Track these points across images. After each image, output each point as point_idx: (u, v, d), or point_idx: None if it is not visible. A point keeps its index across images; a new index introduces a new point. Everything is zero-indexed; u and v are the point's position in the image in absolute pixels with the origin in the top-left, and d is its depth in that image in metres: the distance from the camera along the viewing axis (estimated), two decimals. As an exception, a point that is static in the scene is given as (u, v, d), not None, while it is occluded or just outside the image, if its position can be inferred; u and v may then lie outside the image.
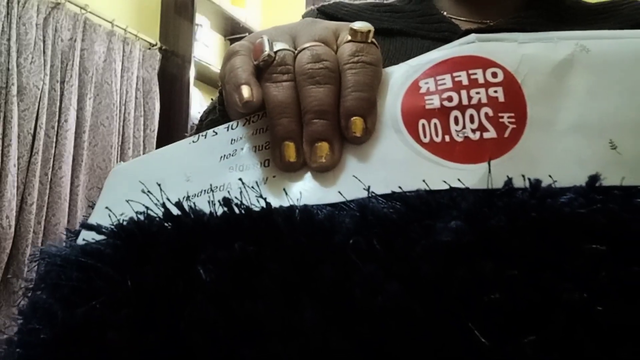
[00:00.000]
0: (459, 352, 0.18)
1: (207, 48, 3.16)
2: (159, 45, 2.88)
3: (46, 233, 2.24)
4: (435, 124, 0.22)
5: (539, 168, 0.20)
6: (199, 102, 3.07)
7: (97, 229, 0.24)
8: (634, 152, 0.20)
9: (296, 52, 0.26)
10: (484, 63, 0.22)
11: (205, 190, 0.24)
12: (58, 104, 2.30)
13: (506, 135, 0.21)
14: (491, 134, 0.21)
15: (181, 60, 2.89)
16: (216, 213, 0.22)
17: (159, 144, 2.77)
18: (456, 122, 0.22)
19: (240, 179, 0.24)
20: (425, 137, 0.22)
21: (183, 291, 0.21)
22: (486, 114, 0.22)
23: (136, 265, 0.22)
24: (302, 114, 0.24)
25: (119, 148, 2.59)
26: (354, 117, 0.23)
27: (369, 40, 0.25)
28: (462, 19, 0.52)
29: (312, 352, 0.18)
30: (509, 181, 0.20)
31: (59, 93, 2.31)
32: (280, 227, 0.21)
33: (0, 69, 2.11)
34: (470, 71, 0.22)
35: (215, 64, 3.25)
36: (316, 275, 0.20)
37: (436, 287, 0.18)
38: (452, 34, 0.48)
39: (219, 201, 0.22)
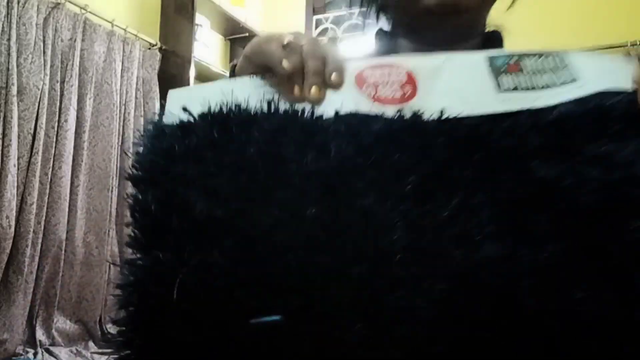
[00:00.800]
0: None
1: (207, 48, 3.16)
2: (159, 45, 2.88)
3: (46, 233, 2.24)
4: (370, 88, 0.43)
5: (424, 108, 0.42)
6: (199, 102, 3.07)
7: (188, 112, 0.45)
8: (477, 101, 0.42)
9: (302, 44, 0.45)
10: (397, 64, 0.44)
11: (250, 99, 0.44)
12: (58, 104, 2.30)
13: (406, 96, 0.43)
14: (398, 94, 0.43)
15: (181, 60, 2.89)
16: (262, 111, 0.43)
17: (159, 144, 2.77)
18: (383, 90, 0.43)
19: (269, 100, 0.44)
20: (365, 92, 0.43)
21: (241, 145, 0.41)
22: (396, 86, 0.43)
23: (214, 131, 0.43)
24: (304, 72, 0.43)
25: (119, 148, 2.59)
26: (334, 73, 0.43)
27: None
28: None
29: (326, 179, 0.40)
30: (418, 114, 0.42)
31: (59, 93, 2.31)
32: (308, 123, 0.42)
33: (0, 69, 2.11)
34: (390, 68, 0.44)
35: (215, 64, 3.24)
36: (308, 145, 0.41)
37: (376, 149, 0.40)
38: None
39: (267, 101, 0.43)
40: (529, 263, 0.37)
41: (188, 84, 2.84)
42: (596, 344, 0.36)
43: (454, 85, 0.42)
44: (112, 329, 2.52)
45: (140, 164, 0.43)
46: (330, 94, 0.43)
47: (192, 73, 2.87)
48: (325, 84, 0.43)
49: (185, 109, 0.45)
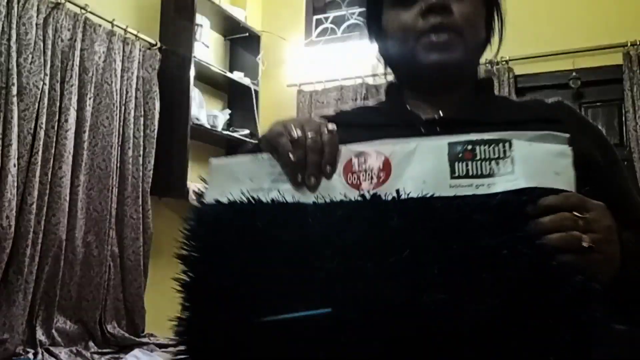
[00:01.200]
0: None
1: (207, 48, 3.16)
2: (159, 45, 2.88)
3: (46, 233, 2.23)
4: (354, 177, 0.57)
5: (392, 193, 0.54)
6: (198, 102, 3.07)
7: (225, 204, 0.60)
8: (434, 184, 0.53)
9: (307, 137, 0.59)
10: (379, 151, 0.57)
11: (263, 189, 0.59)
12: (58, 104, 2.30)
13: (380, 180, 0.55)
14: (374, 180, 0.56)
15: (181, 60, 2.89)
16: (273, 201, 0.58)
17: (159, 144, 2.77)
18: (363, 177, 0.56)
19: (277, 190, 0.58)
20: (349, 181, 0.57)
21: (252, 231, 0.57)
22: (374, 172, 0.56)
23: (235, 221, 0.58)
24: (306, 163, 0.57)
25: (119, 148, 2.59)
26: (327, 166, 0.57)
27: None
28: (423, 112, 0.75)
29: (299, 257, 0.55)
30: (376, 195, 0.55)
31: (59, 93, 2.31)
32: (294, 210, 0.57)
33: (0, 69, 2.11)
34: (371, 155, 0.57)
35: (215, 64, 3.24)
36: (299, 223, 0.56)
37: (344, 227, 0.54)
38: (416, 122, 0.75)
39: (271, 199, 0.58)
40: (470, 310, 0.48)
41: (188, 84, 2.84)
42: None
43: (418, 170, 0.55)
44: (112, 329, 2.53)
45: (185, 244, 0.59)
46: (323, 181, 0.57)
47: (192, 73, 2.87)
48: (321, 172, 0.57)
49: (217, 201, 0.59)
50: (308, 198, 0.56)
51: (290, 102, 3.51)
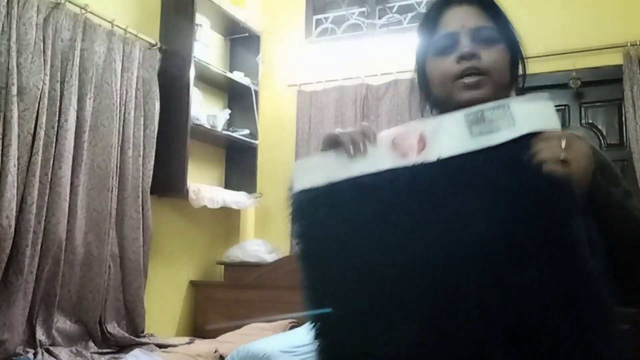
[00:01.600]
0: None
1: (207, 48, 3.15)
2: (159, 45, 2.88)
3: (46, 233, 2.23)
4: (400, 148, 0.77)
5: (430, 157, 0.75)
6: (198, 102, 3.07)
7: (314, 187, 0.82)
8: (460, 145, 0.73)
9: (350, 130, 0.82)
10: (415, 128, 0.77)
11: (333, 172, 0.81)
12: (58, 104, 2.30)
13: (421, 149, 0.75)
14: (415, 149, 0.76)
15: (181, 60, 2.89)
16: (341, 181, 0.80)
17: (159, 144, 2.77)
18: (407, 150, 0.76)
19: (342, 170, 0.80)
20: (396, 152, 0.77)
21: (334, 204, 0.80)
22: (414, 144, 0.76)
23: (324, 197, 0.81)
24: (354, 141, 0.81)
25: (119, 148, 2.59)
26: (370, 136, 0.80)
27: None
28: None
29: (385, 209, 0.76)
30: (421, 161, 0.75)
31: (59, 93, 2.31)
32: (358, 181, 0.79)
33: (0, 69, 2.11)
34: (409, 133, 0.77)
35: (215, 64, 3.24)
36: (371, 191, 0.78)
37: (402, 186, 0.75)
38: None
39: (339, 179, 0.80)
40: (502, 235, 0.68)
41: (188, 84, 2.84)
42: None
43: (445, 136, 0.74)
44: (111, 328, 2.53)
45: (292, 224, 0.81)
46: (375, 155, 0.77)
47: (192, 73, 2.87)
48: (366, 140, 0.79)
49: (303, 189, 0.81)
50: (368, 168, 0.76)
51: (290, 102, 3.52)
